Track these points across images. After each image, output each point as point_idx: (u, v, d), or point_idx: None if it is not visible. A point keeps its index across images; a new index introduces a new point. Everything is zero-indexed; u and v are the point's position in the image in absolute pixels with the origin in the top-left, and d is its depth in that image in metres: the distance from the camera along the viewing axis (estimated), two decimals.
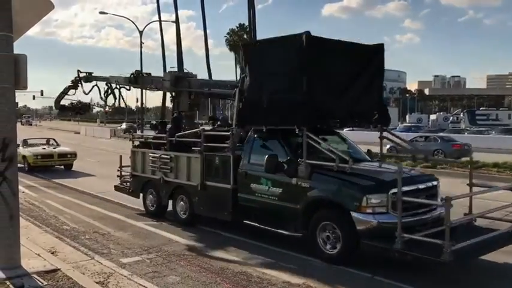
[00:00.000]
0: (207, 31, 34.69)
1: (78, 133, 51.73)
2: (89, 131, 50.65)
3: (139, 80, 10.51)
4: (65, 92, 11.50)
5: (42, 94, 67.08)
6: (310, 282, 5.30)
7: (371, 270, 5.70)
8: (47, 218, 8.73)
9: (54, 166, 16.71)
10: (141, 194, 9.30)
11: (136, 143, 9.87)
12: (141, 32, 40.89)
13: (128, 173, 9.74)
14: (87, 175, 15.59)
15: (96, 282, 5.18)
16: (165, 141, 8.60)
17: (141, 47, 44.05)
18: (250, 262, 6.07)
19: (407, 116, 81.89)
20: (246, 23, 39.77)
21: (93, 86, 11.36)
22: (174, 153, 8.27)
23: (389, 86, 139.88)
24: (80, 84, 11.40)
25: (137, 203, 10.48)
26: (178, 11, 37.31)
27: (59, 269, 5.53)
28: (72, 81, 11.44)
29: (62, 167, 16.81)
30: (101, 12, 36.76)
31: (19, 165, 13.75)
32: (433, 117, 76.46)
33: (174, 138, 8.37)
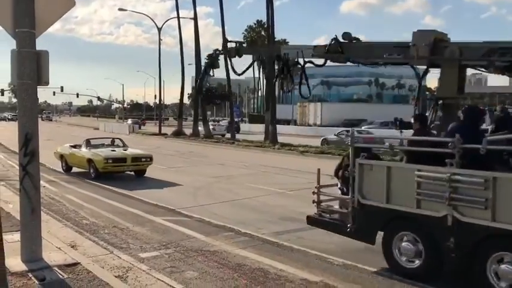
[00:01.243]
0: (225, 28, 34.77)
1: (97, 129, 52.49)
2: (108, 127, 51.36)
3: (350, 48, 6.46)
4: (206, 72, 8.94)
5: (62, 90, 68.55)
6: (327, 280, 5.29)
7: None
8: (67, 213, 8.90)
9: (125, 172, 14.15)
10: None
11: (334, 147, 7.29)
12: (159, 29, 41.28)
13: (326, 197, 6.69)
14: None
15: (116, 276, 5.26)
16: (448, 150, 4.83)
17: (159, 44, 44.71)
18: (268, 259, 6.09)
19: (427, 114, 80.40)
20: (264, 20, 39.68)
21: (253, 62, 8.23)
22: (495, 174, 4.55)
23: (408, 83, 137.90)
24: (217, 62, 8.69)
25: (156, 199, 10.61)
26: (197, 8, 37.54)
27: (79, 263, 5.65)
28: (210, 57, 8.72)
29: (133, 173, 14.19)
30: (120, 9, 37.72)
31: (80, 169, 14.53)
32: None
33: (480, 147, 4.60)
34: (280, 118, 50.58)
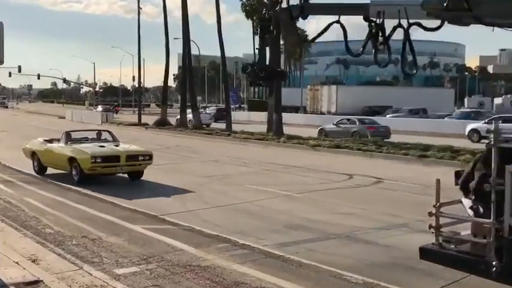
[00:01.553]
0: None
1: (63, 118, 52.57)
2: (76, 116, 51.47)
3: (483, 3, 5.16)
4: (264, 42, 7.28)
5: (19, 70, 68.40)
6: None
7: None
8: (27, 220, 8.92)
9: (117, 174, 13.43)
10: None
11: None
12: None
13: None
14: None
15: None
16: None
17: (138, 14, 44.36)
18: (271, 276, 6.11)
19: (465, 100, 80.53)
20: None
21: (330, 25, 5.84)
22: None
23: (443, 61, 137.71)
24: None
25: (135, 203, 10.63)
26: None
27: (41, 281, 5.67)
28: (263, 20, 6.80)
29: (126, 175, 13.53)
30: None
31: (58, 171, 14.09)
32: (498, 100, 74.92)
33: None
34: (286, 105, 50.47)
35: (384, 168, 16.97)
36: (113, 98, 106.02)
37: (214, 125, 37.76)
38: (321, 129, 30.15)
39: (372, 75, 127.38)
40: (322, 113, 55.49)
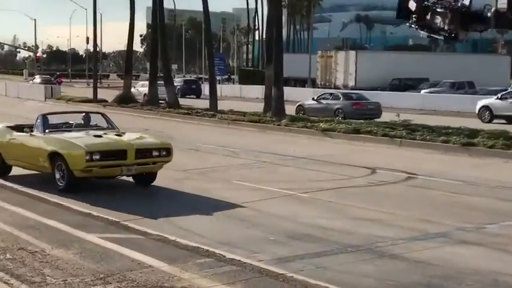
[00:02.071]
0: None
1: None
2: (12, 90, 51.24)
3: None
4: None
5: None
6: None
7: None
8: None
9: (121, 177, 12.42)
10: None
11: None
12: None
13: None
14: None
15: None
16: None
17: None
18: None
19: None
20: None
21: None
22: None
23: None
24: None
25: (87, 205, 10.61)
26: None
27: None
28: None
29: (131, 179, 12.69)
30: None
31: (30, 171, 13.31)
32: None
33: None
34: (290, 76, 50.46)
35: (417, 159, 17.04)
36: (60, 66, 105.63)
37: (182, 102, 37.52)
38: (299, 105, 32.64)
39: (402, 37, 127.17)
40: (336, 87, 55.38)
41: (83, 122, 13.61)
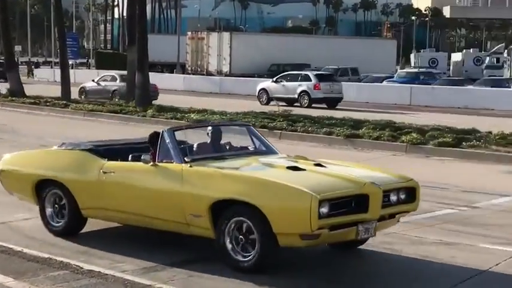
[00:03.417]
0: None
1: None
2: None
3: None
4: None
5: None
6: None
7: None
8: None
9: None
10: None
11: None
12: None
13: None
14: None
15: None
16: None
17: None
18: None
19: (412, 55, 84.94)
20: None
21: None
22: None
23: (381, 1, 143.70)
24: None
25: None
26: None
27: None
28: None
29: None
30: None
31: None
32: (456, 57, 79.90)
33: None
34: (155, 61, 50.11)
35: (298, 154, 17.42)
36: None
37: None
38: (81, 87, 37.33)
39: (280, 18, 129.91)
40: (210, 74, 55.70)
41: (210, 140, 9.01)
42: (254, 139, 9.38)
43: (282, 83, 36.43)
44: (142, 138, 9.85)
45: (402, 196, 8.06)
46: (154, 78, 34.25)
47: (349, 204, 7.43)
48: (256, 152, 9.13)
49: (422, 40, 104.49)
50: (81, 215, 9.00)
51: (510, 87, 39.68)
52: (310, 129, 20.61)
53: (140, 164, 8.27)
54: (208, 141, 8.85)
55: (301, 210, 7.07)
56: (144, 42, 28.73)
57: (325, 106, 34.02)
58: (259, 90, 37.11)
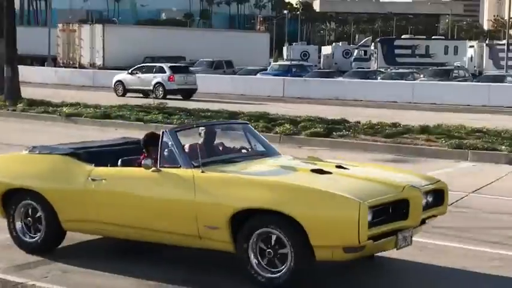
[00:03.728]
0: None
1: None
2: None
3: None
4: None
5: None
6: None
7: None
8: None
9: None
10: None
11: None
12: None
13: None
14: None
15: None
16: None
17: None
18: None
19: (284, 48, 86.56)
20: None
21: None
22: None
23: None
24: None
25: None
26: None
27: None
28: None
29: None
30: None
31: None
32: (326, 50, 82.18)
33: None
34: (25, 53, 48.50)
35: None
36: None
37: None
38: None
39: (154, 11, 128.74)
40: (82, 67, 54.67)
41: (204, 141, 7.92)
42: (252, 139, 8.44)
43: (137, 75, 37.12)
44: (120, 138, 9.42)
45: (430, 199, 7.32)
46: (27, 71, 33.15)
47: (388, 210, 6.70)
48: (263, 154, 8.18)
49: (294, 33, 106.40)
50: (60, 228, 7.87)
51: (377, 79, 41.25)
52: (186, 121, 20.60)
53: (139, 169, 7.30)
54: (201, 142, 7.69)
55: (348, 220, 6.26)
56: (12, 35, 27.90)
57: (189, 98, 35.29)
58: (116, 82, 37.55)
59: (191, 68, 41.35)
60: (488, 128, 18.92)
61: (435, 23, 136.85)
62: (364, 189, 6.77)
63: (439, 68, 47.87)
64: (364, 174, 7.39)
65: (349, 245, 6.30)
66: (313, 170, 7.18)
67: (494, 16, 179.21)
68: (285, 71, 46.29)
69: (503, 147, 15.91)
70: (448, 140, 16.72)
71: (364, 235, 6.19)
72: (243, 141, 8.30)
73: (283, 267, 6.49)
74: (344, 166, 7.47)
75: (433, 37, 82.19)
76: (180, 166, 7.10)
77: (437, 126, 19.29)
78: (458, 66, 50.81)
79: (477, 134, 18.10)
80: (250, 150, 8.22)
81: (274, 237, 6.50)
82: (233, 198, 6.67)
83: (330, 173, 7.14)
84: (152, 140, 7.60)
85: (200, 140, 7.61)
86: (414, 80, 39.98)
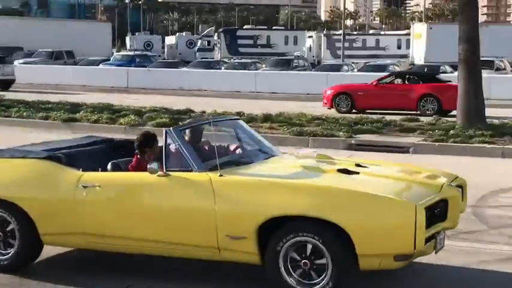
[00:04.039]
0: None
1: None
2: None
3: None
4: None
5: None
6: None
7: None
8: None
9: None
10: None
11: None
12: None
13: None
14: None
15: None
16: None
17: None
18: None
19: (127, 38, 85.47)
20: None
21: None
22: None
23: None
24: None
25: None
26: None
27: None
28: None
29: None
30: None
31: None
32: (170, 40, 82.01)
33: None
34: None
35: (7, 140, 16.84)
36: None
37: None
38: None
39: None
40: None
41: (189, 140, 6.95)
42: (250, 136, 7.66)
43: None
44: (86, 138, 8.53)
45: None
46: None
47: (433, 212, 6.14)
48: (267, 153, 7.37)
49: (137, 23, 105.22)
50: (39, 242, 6.95)
51: (221, 69, 41.67)
52: (25, 114, 19.99)
53: (142, 174, 6.49)
54: (201, 142, 7.08)
55: (404, 225, 5.67)
56: None
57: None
58: None
59: (20, 59, 39.76)
60: (327, 115, 19.70)
61: (275, 14, 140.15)
62: (408, 190, 6.35)
63: (280, 57, 49.01)
64: (391, 173, 6.88)
65: (403, 252, 5.73)
66: (340, 170, 6.56)
67: (330, 7, 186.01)
68: (129, 61, 45.70)
69: (341, 133, 16.66)
70: (290, 128, 17.29)
71: (421, 241, 5.67)
72: (238, 139, 7.50)
73: (320, 279, 5.87)
74: (362, 165, 6.94)
75: (273, 28, 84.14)
76: (192, 170, 6.33)
77: (279, 115, 19.91)
78: (298, 56, 52.14)
79: (316, 121, 18.88)
80: (250, 149, 7.48)
81: (310, 247, 5.87)
82: (263, 204, 5.99)
83: (357, 173, 6.59)
84: (149, 140, 7.02)
85: (192, 139, 6.88)
86: (256, 69, 40.71)
